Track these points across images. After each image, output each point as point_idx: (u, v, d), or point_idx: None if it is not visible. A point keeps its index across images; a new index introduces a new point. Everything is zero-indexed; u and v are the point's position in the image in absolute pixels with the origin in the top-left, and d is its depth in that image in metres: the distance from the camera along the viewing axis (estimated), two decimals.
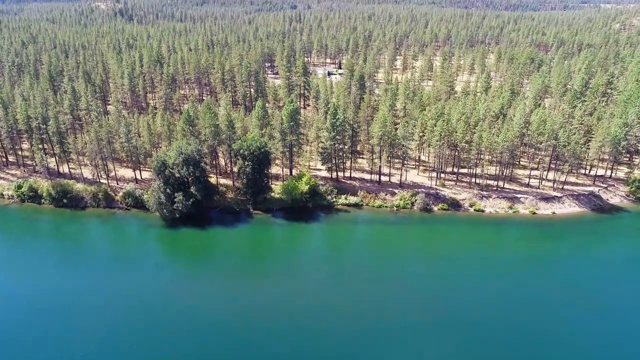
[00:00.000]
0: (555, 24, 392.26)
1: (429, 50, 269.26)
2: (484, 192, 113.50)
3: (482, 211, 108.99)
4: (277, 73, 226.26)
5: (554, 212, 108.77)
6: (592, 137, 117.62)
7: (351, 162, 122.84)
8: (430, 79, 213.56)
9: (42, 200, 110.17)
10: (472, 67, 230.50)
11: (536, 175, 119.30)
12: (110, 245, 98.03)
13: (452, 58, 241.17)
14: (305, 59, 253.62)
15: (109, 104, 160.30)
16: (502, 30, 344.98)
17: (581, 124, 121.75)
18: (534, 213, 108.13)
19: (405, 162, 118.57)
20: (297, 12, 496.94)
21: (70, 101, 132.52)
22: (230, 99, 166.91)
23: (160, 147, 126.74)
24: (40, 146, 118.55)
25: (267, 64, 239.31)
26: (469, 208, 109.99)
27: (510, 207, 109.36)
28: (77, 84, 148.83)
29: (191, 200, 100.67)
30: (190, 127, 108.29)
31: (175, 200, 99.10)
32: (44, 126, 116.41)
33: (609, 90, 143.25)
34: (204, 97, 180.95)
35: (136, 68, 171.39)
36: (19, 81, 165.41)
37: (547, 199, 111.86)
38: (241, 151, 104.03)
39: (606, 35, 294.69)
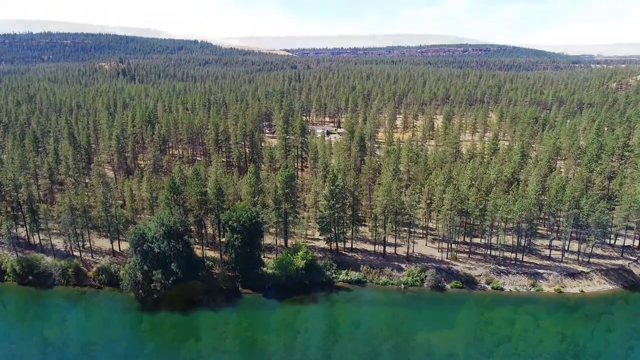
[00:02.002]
0: (551, 83, 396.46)
1: (429, 109, 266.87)
2: (502, 267, 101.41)
3: (501, 289, 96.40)
4: (274, 132, 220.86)
5: (582, 290, 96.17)
6: (615, 204, 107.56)
7: (352, 232, 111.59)
8: (432, 138, 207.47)
9: (6, 277, 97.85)
10: (474, 127, 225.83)
11: (557, 246, 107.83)
12: (73, 336, 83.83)
13: (453, 117, 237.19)
14: (304, 117, 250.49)
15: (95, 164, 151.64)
16: (499, 90, 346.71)
17: (602, 189, 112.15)
18: (560, 292, 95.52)
19: (412, 232, 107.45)
20: (296, 72, 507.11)
21: (49, 164, 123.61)
22: (225, 160, 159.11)
23: (144, 215, 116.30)
24: (11, 214, 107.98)
25: (264, 123, 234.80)
26: (486, 285, 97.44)
27: (533, 285, 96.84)
28: (62, 144, 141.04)
29: (172, 278, 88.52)
30: (175, 196, 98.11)
31: (154, 279, 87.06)
32: (15, 193, 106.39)
33: (626, 153, 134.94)
34: (197, 158, 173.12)
35: (127, 128, 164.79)
36: (2, 142, 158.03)
37: (573, 274, 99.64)
38: (230, 222, 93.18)
39: (604, 94, 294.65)
